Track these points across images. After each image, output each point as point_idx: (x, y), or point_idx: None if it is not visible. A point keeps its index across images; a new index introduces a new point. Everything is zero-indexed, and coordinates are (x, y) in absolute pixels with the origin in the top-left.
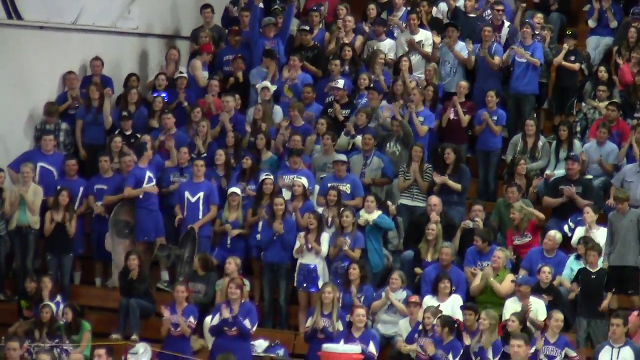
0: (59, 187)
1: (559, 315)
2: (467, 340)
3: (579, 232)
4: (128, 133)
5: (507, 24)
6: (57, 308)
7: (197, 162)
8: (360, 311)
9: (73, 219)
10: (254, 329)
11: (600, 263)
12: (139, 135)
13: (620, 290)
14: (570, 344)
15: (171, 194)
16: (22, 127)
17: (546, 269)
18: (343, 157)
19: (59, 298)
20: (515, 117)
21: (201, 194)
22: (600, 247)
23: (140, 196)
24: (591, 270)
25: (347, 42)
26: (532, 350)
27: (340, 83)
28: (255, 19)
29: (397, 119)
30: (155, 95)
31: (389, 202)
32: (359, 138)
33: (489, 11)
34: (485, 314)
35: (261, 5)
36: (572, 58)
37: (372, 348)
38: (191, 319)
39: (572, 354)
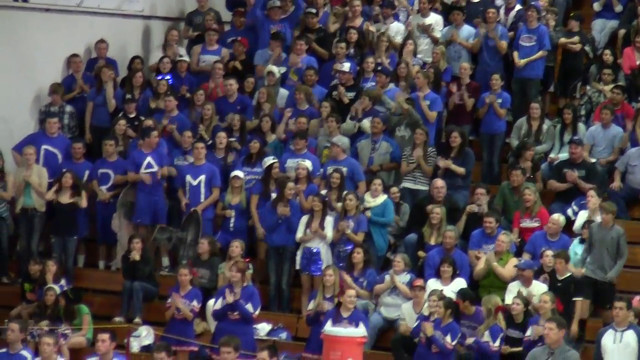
0: (63, 170)
1: (547, 297)
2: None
3: (583, 216)
4: (132, 116)
5: (517, 7)
6: (60, 291)
7: (197, 145)
8: (351, 292)
9: (83, 197)
10: (257, 312)
11: (573, 268)
12: (142, 118)
13: (595, 301)
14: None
15: (173, 178)
16: (27, 109)
17: (549, 252)
18: (343, 140)
19: (63, 281)
20: (520, 100)
21: (203, 177)
22: (567, 255)
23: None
24: (558, 277)
25: (354, 25)
26: (529, 333)
27: (346, 66)
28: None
29: (404, 107)
30: (159, 78)
31: (394, 188)
32: (365, 122)
33: None
34: (483, 301)
35: None
36: (576, 39)
37: (362, 329)
38: (195, 302)
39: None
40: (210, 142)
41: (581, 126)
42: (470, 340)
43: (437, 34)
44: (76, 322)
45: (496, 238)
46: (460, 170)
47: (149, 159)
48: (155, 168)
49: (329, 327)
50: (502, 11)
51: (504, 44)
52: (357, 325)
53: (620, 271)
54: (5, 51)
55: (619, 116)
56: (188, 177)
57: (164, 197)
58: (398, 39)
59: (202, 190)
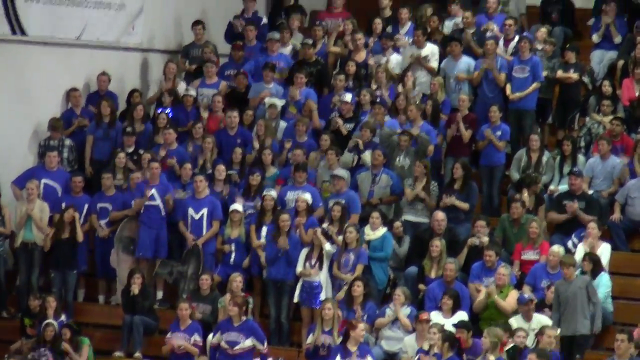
0: (64, 205)
1: (551, 332)
2: None
3: (582, 248)
4: (131, 150)
5: (516, 38)
6: (59, 327)
7: (197, 178)
8: (362, 326)
9: (80, 230)
10: (265, 345)
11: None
12: (141, 152)
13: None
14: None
15: (174, 211)
16: (26, 143)
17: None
18: (342, 173)
19: (63, 317)
20: (517, 131)
21: (205, 210)
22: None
23: (142, 211)
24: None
25: (357, 58)
26: None
27: (348, 97)
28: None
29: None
30: (160, 111)
31: (397, 222)
32: (366, 154)
33: (494, 26)
34: (487, 332)
35: (265, 20)
36: (572, 71)
37: None
38: (196, 336)
39: None
40: (211, 171)
41: (581, 158)
42: None
43: (434, 64)
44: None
45: (496, 271)
46: (465, 206)
47: (152, 191)
48: (158, 200)
49: None
50: (501, 42)
51: (502, 76)
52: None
53: (601, 319)
54: (4, 84)
55: (618, 148)
56: (190, 211)
57: (165, 231)
58: (397, 71)
59: (204, 223)
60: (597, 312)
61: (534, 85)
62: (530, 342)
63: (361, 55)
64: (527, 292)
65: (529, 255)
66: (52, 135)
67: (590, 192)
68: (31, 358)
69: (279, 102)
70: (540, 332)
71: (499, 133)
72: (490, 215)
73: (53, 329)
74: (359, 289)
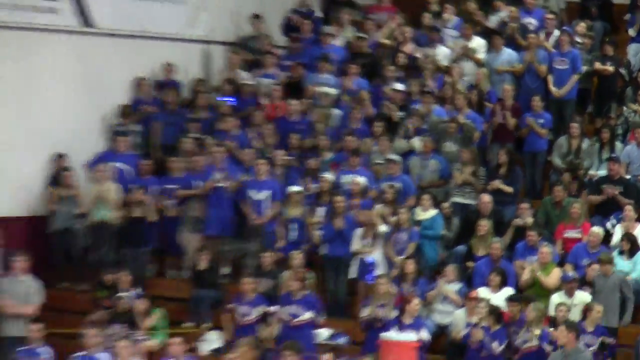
0: (134, 186)
1: (599, 307)
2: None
3: (620, 229)
4: (195, 136)
5: (556, 32)
6: (132, 299)
7: (259, 161)
8: (416, 301)
9: (152, 211)
10: (322, 318)
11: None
12: (205, 137)
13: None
14: (607, 332)
15: (237, 193)
16: (98, 128)
17: (595, 266)
18: (395, 157)
19: (134, 290)
20: (558, 120)
21: (266, 192)
22: (611, 258)
23: (209, 193)
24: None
25: (405, 50)
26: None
27: (399, 86)
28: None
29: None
30: (221, 99)
31: (445, 203)
32: (416, 141)
33: (532, 20)
34: (532, 307)
35: (319, 13)
36: (609, 63)
37: (424, 335)
38: (259, 308)
39: (609, 340)
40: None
41: (618, 145)
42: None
43: (481, 56)
44: (150, 325)
45: (539, 250)
46: (510, 189)
47: (217, 174)
48: (224, 183)
49: (388, 334)
50: (542, 36)
51: (544, 68)
52: (419, 332)
53: (631, 314)
54: (75, 74)
55: None
56: (252, 192)
57: (230, 211)
58: (444, 63)
59: (266, 204)
60: (628, 307)
61: (574, 77)
62: (574, 316)
63: (409, 48)
64: (569, 271)
65: (571, 234)
66: (122, 121)
67: (628, 177)
68: (107, 328)
69: (333, 92)
70: (589, 308)
71: (541, 121)
72: (533, 198)
73: (126, 301)
74: (411, 266)
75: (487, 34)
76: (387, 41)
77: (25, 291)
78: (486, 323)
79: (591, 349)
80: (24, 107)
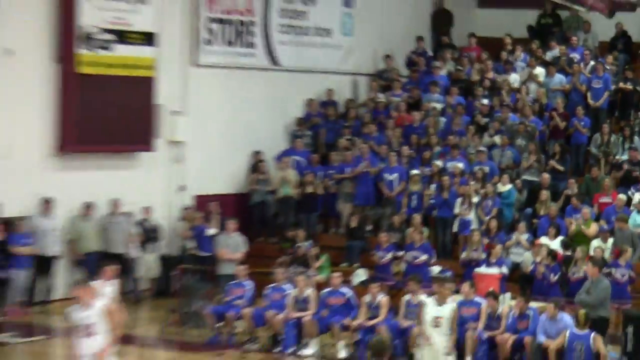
0: (306, 172)
1: (629, 248)
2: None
3: (638, 195)
4: (348, 137)
5: (592, 62)
6: (307, 248)
7: (391, 154)
8: (498, 246)
9: (319, 188)
10: (434, 259)
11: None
12: (354, 138)
13: None
14: (633, 266)
15: (376, 175)
16: (282, 133)
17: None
18: (484, 149)
19: (308, 242)
20: (594, 122)
21: (395, 174)
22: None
23: (358, 175)
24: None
25: (488, 76)
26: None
27: (485, 101)
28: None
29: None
30: (366, 112)
31: (517, 181)
32: (497, 138)
33: (576, 55)
34: (579, 249)
35: (430, 53)
36: (629, 84)
37: (504, 269)
38: (391, 253)
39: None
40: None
41: (636, 138)
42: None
43: (541, 80)
44: (318, 266)
45: (581, 211)
46: (561, 169)
47: (363, 163)
48: (368, 168)
49: (479, 269)
50: (582, 65)
51: (584, 87)
52: (500, 267)
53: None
54: (267, 97)
55: None
56: (386, 175)
57: (372, 187)
58: (516, 85)
59: (395, 183)
60: (637, 251)
61: (606, 93)
62: (606, 255)
63: (491, 75)
64: (603, 224)
65: (604, 199)
66: (298, 128)
67: None
68: (289, 268)
69: (440, 106)
70: (622, 249)
71: (582, 123)
72: (577, 176)
73: (303, 249)
74: (494, 223)
75: (545, 64)
76: (476, 72)
77: (235, 243)
78: (546, 261)
79: (625, 278)
80: (234, 120)
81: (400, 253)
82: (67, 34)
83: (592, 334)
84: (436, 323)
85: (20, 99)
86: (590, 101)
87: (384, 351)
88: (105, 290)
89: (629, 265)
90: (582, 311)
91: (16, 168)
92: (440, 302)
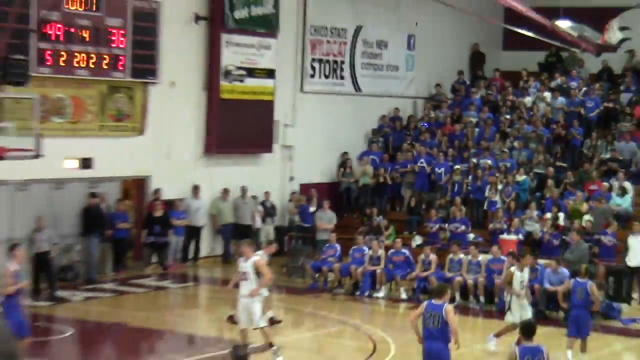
0: (379, 167)
1: (614, 222)
2: None
3: (616, 183)
4: (410, 143)
5: (584, 88)
6: (379, 221)
7: (439, 154)
8: (516, 219)
9: (388, 179)
10: (470, 229)
11: None
12: (413, 143)
13: None
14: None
15: (430, 169)
16: (362, 140)
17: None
18: (506, 150)
19: (380, 216)
20: (586, 131)
21: (442, 169)
22: None
23: None
24: None
25: (510, 99)
26: None
27: (507, 117)
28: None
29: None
30: (423, 124)
31: (530, 173)
32: (515, 142)
33: (574, 83)
34: (576, 222)
35: (468, 82)
36: (612, 104)
37: (520, 236)
38: (439, 224)
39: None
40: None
41: (616, 143)
42: None
43: (548, 101)
44: (387, 233)
45: (576, 194)
46: (564, 164)
47: (421, 161)
48: (422, 165)
49: (503, 235)
50: (577, 91)
51: (579, 107)
52: (518, 235)
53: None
54: (353, 114)
55: None
56: (436, 169)
57: (427, 178)
58: (529, 104)
59: (442, 175)
60: (611, 222)
61: (596, 110)
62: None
63: (511, 97)
64: (592, 204)
65: (592, 187)
66: (374, 136)
67: (621, 158)
68: (367, 235)
69: (475, 119)
70: (610, 222)
71: (577, 131)
72: (574, 169)
73: (376, 222)
74: (513, 203)
75: (551, 90)
76: (501, 99)
77: (328, 217)
78: (550, 230)
79: (611, 243)
80: (328, 130)
81: (446, 225)
82: (213, 70)
83: (589, 282)
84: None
85: (179, 117)
86: (584, 115)
87: (444, 292)
88: (260, 255)
89: (614, 234)
90: (584, 265)
91: (175, 165)
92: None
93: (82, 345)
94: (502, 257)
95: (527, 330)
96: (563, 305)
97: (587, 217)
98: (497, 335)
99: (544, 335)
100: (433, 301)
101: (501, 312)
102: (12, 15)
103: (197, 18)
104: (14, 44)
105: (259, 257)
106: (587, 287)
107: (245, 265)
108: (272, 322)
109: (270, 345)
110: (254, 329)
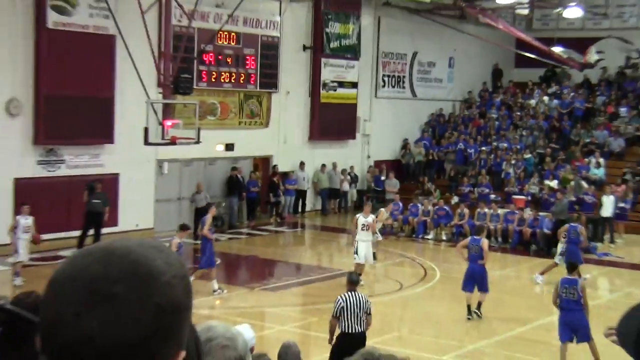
0: (429, 149)
1: (592, 186)
2: None
3: (593, 160)
4: (450, 132)
5: (572, 94)
6: (429, 186)
7: (470, 139)
8: (526, 185)
9: (435, 157)
10: (492, 191)
11: None
12: (454, 132)
13: None
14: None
15: (464, 150)
16: (417, 130)
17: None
18: (517, 136)
19: (429, 183)
20: (573, 123)
21: (473, 150)
22: None
23: None
24: None
25: (520, 101)
26: None
27: (519, 113)
28: None
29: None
30: (459, 119)
31: (534, 152)
32: (524, 131)
33: (564, 90)
34: (568, 186)
35: (491, 90)
36: (590, 104)
37: (528, 197)
38: (469, 188)
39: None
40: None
41: (593, 131)
42: None
43: (546, 102)
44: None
45: (566, 167)
46: (556, 146)
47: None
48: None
49: (515, 196)
50: (568, 95)
51: (570, 107)
52: (526, 196)
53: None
54: (411, 112)
55: None
56: (469, 150)
57: (462, 156)
58: (533, 105)
59: (473, 154)
60: (582, 186)
61: (581, 107)
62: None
63: (521, 100)
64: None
65: (577, 163)
66: (425, 127)
67: (597, 142)
68: (420, 196)
69: (495, 115)
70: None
71: (567, 124)
72: (564, 150)
73: (427, 187)
74: (522, 174)
75: (548, 95)
76: (514, 101)
77: (394, 184)
78: (548, 192)
79: (591, 200)
80: (394, 123)
81: (474, 188)
82: (315, 83)
83: (579, 226)
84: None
85: (292, 115)
86: (573, 112)
87: (482, 231)
88: (370, 217)
89: (594, 195)
90: (575, 214)
91: (288, 148)
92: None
93: (225, 272)
94: (515, 211)
95: (569, 266)
96: (561, 239)
97: (572, 183)
98: (542, 273)
99: (542, 264)
100: (475, 237)
101: (513, 249)
102: (181, 48)
103: (305, 47)
104: (183, 67)
105: (372, 217)
106: (578, 229)
107: (366, 220)
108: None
109: (359, 274)
110: (363, 264)
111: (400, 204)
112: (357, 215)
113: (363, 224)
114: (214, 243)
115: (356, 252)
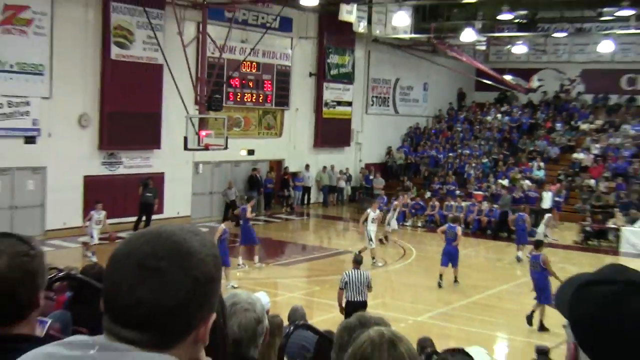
0: (408, 154)
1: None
2: None
3: (535, 164)
4: (424, 142)
5: (520, 112)
6: (408, 184)
7: (439, 147)
8: (483, 183)
9: (412, 161)
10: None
11: None
12: (427, 142)
13: None
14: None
15: (435, 157)
16: (398, 139)
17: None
18: (476, 146)
19: (408, 181)
20: (520, 135)
21: (442, 155)
22: None
23: None
24: None
25: (478, 117)
26: None
27: (477, 127)
28: None
29: None
30: (432, 131)
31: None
32: (482, 142)
33: (513, 109)
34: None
35: (457, 109)
36: (533, 120)
37: (485, 192)
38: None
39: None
40: None
41: (537, 142)
42: None
43: (499, 118)
44: (412, 190)
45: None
46: (507, 153)
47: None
48: (434, 153)
49: (475, 192)
50: (516, 112)
51: (518, 122)
52: (483, 192)
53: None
54: (393, 125)
55: None
56: (437, 155)
57: (433, 161)
58: (490, 120)
59: (442, 159)
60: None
61: (527, 123)
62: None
63: (479, 116)
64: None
65: (523, 167)
66: (405, 137)
67: (539, 150)
68: (400, 192)
69: (460, 129)
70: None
71: (515, 135)
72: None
73: (406, 184)
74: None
75: (501, 112)
76: (474, 117)
77: (380, 182)
78: (500, 189)
79: (533, 195)
80: (380, 135)
81: (443, 186)
82: (319, 101)
83: (526, 215)
84: None
85: (300, 127)
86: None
87: (458, 220)
88: (377, 212)
89: (536, 191)
90: (523, 206)
91: (297, 153)
92: (459, 204)
93: (247, 251)
94: (475, 204)
95: (535, 244)
96: (512, 227)
97: (522, 182)
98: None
99: (495, 246)
100: (451, 224)
101: (474, 233)
102: (214, 75)
103: (311, 74)
104: (215, 89)
105: (378, 212)
106: (525, 217)
107: (375, 214)
108: (382, 242)
109: (373, 257)
110: (371, 248)
111: (385, 198)
112: (368, 210)
113: (373, 218)
114: (252, 226)
115: (371, 240)
